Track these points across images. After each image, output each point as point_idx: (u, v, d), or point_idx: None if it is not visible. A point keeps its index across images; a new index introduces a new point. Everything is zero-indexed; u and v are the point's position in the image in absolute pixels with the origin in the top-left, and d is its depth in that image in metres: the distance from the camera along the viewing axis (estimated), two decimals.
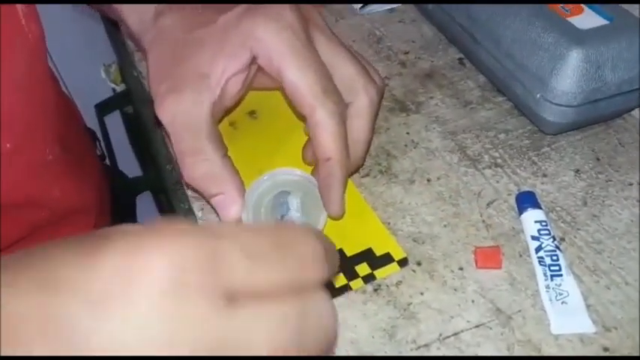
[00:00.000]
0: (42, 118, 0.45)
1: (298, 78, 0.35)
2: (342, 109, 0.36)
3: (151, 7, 0.40)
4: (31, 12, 0.42)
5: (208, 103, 0.36)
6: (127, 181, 0.96)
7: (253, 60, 0.37)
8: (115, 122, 1.07)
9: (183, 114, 0.35)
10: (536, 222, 0.38)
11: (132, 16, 0.41)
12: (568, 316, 0.34)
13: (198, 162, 0.36)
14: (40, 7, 0.44)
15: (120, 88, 1.07)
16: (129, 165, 1.06)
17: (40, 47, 0.43)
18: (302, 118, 0.40)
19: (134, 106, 0.94)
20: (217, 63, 0.36)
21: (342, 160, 0.36)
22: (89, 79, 1.02)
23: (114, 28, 0.63)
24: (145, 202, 1.05)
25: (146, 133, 0.53)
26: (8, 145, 0.40)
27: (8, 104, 0.39)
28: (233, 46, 0.36)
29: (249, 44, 0.35)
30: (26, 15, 0.41)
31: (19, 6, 0.40)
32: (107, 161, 0.96)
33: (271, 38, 0.35)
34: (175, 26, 0.38)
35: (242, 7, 0.37)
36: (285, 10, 0.36)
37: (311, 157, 0.41)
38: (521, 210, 0.39)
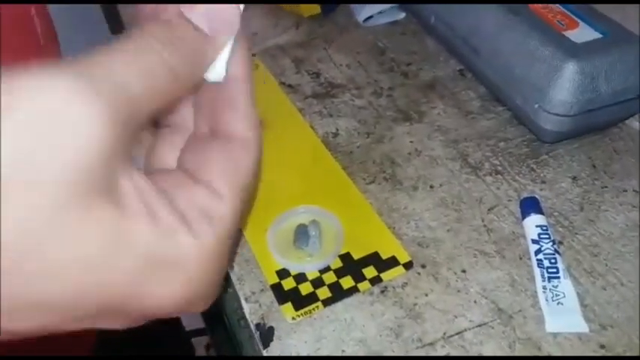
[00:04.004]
0: None
1: None
2: None
3: None
4: (49, 33, 0.42)
5: None
6: None
7: None
8: None
9: None
10: (537, 226, 0.40)
11: None
12: (563, 316, 0.36)
13: None
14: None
15: None
16: None
17: None
18: None
19: None
20: None
21: None
22: None
23: (118, 27, 0.65)
24: None
25: None
26: None
27: None
28: None
29: None
30: (44, 35, 0.42)
31: (38, 27, 0.41)
32: None
33: None
34: None
35: None
36: None
37: None
38: (524, 215, 0.41)
